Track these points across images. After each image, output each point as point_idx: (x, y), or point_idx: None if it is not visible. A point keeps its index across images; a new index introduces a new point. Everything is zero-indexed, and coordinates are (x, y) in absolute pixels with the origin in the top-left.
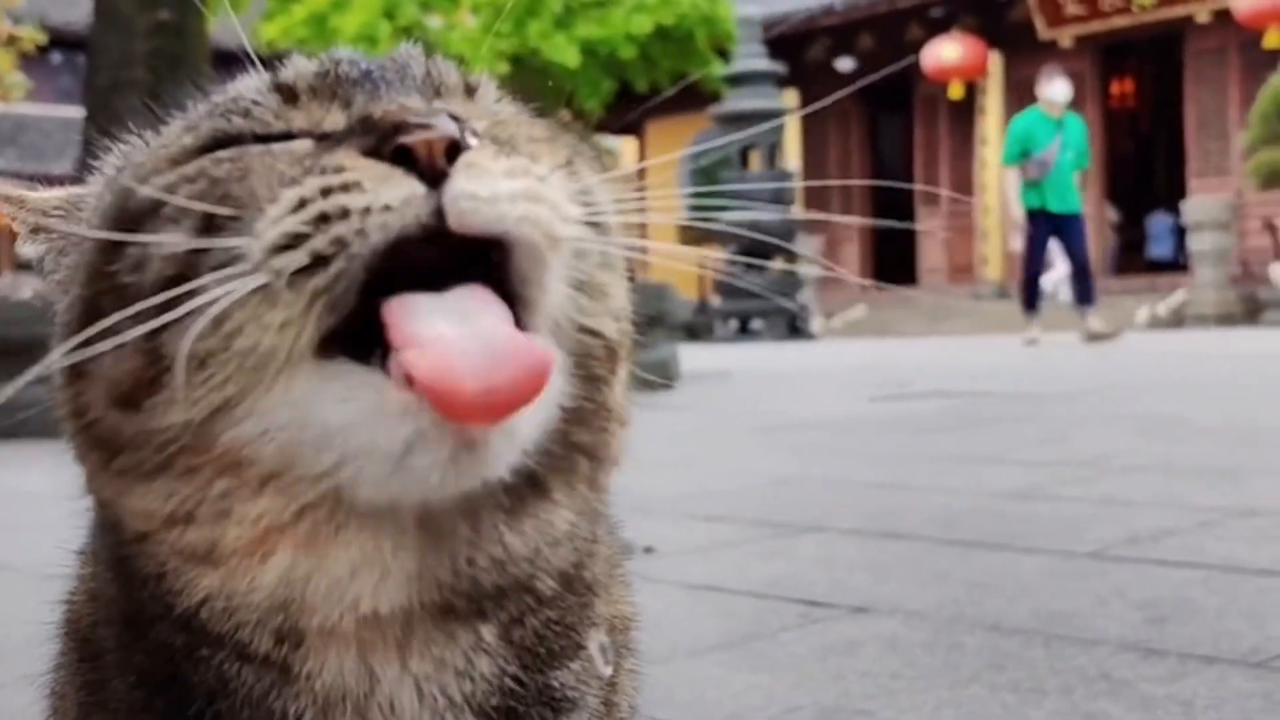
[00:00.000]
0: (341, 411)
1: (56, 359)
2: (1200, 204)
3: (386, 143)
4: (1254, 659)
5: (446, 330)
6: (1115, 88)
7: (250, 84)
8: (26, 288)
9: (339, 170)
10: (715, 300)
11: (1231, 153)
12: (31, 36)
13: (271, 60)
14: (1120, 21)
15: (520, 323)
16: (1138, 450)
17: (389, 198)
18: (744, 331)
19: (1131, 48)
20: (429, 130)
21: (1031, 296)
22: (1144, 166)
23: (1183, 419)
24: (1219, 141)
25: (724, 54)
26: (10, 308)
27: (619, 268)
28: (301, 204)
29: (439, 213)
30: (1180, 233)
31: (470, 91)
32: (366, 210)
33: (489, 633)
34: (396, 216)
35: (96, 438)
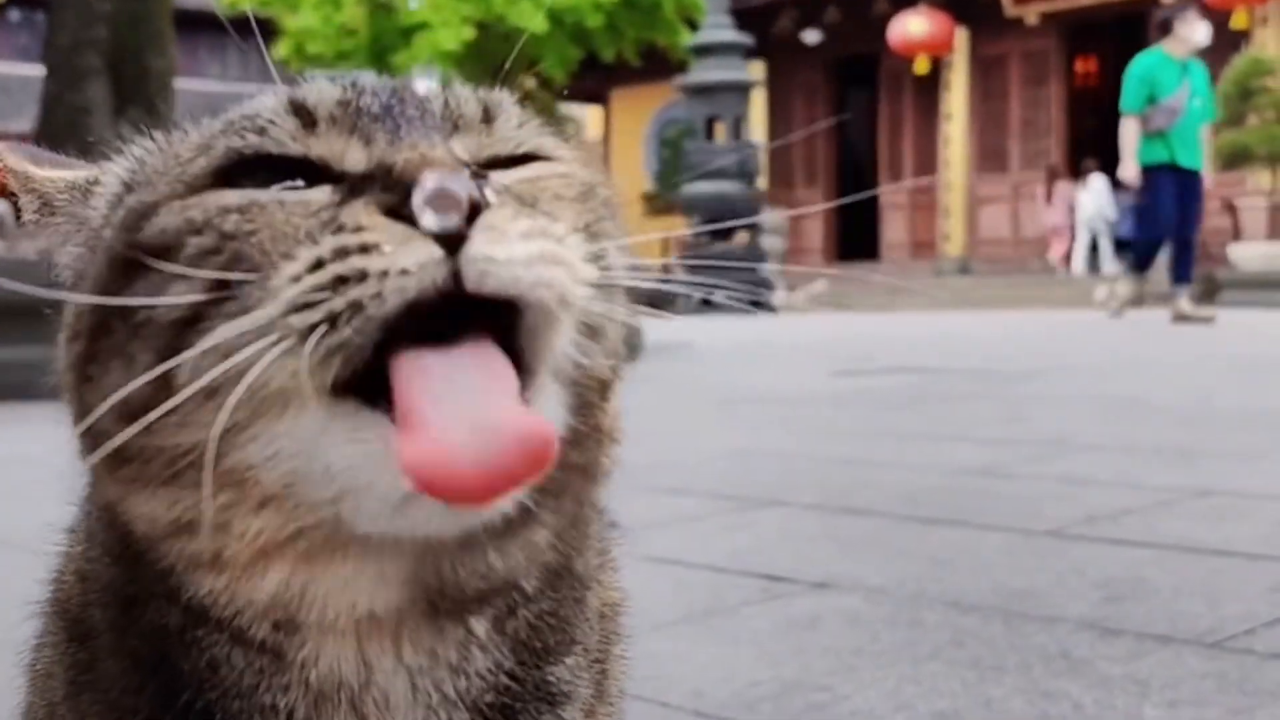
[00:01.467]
0: (346, 453)
1: (65, 360)
2: None
3: (406, 201)
4: (1209, 639)
5: (449, 412)
6: (1079, 66)
7: (268, 102)
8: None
9: (357, 230)
10: (677, 271)
11: None
12: None
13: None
14: (1085, 0)
15: (523, 369)
16: (1097, 429)
17: (407, 262)
18: (706, 304)
19: (1096, 26)
20: (447, 191)
21: (1145, 259)
22: (1107, 146)
23: (1141, 399)
24: None
25: (691, 24)
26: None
27: (619, 316)
28: (318, 264)
29: (456, 274)
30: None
31: (489, 120)
32: (384, 274)
33: (480, 627)
34: (414, 281)
35: (102, 445)
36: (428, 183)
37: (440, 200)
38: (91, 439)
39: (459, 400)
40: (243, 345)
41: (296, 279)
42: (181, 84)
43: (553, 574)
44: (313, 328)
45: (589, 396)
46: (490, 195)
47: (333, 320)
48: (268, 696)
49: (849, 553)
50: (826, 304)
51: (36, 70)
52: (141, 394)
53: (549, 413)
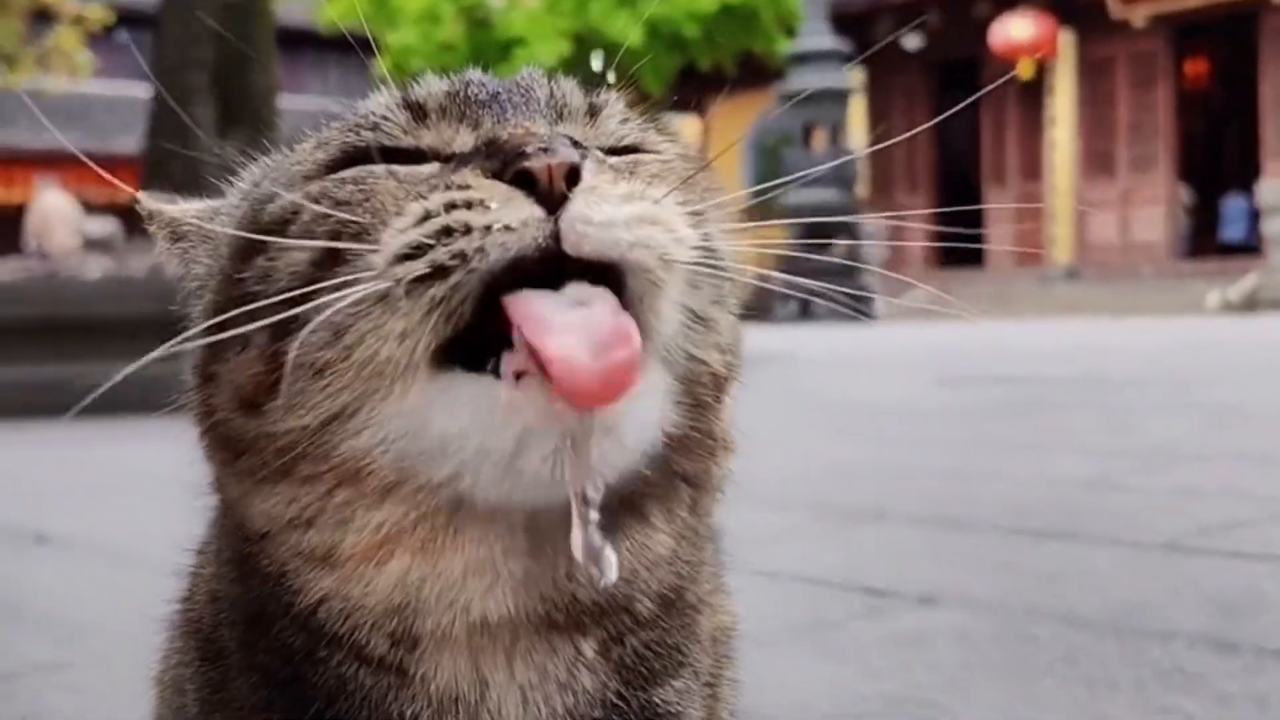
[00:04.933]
0: (455, 419)
1: (191, 360)
2: (1275, 186)
3: (510, 166)
4: None
5: (566, 315)
6: (1189, 68)
7: (381, 100)
8: (95, 267)
9: (464, 187)
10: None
11: None
12: (98, 16)
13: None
14: (1194, 0)
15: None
16: (1205, 438)
17: (510, 218)
18: (805, 313)
19: (1205, 27)
20: (550, 155)
21: None
22: (1217, 148)
23: (1253, 407)
24: None
25: (789, 31)
26: (79, 286)
27: (728, 301)
28: (426, 216)
29: (556, 236)
30: (1254, 215)
31: (594, 113)
32: (488, 228)
33: (588, 648)
34: (516, 237)
35: (222, 438)
36: (531, 145)
37: (542, 156)
38: (213, 436)
39: (573, 308)
40: (350, 296)
41: (403, 231)
42: (285, 101)
43: (667, 601)
44: (418, 280)
45: (702, 395)
46: (590, 164)
47: (437, 272)
48: (394, 709)
49: (954, 567)
50: (929, 312)
51: (143, 90)
52: (256, 379)
53: (657, 403)
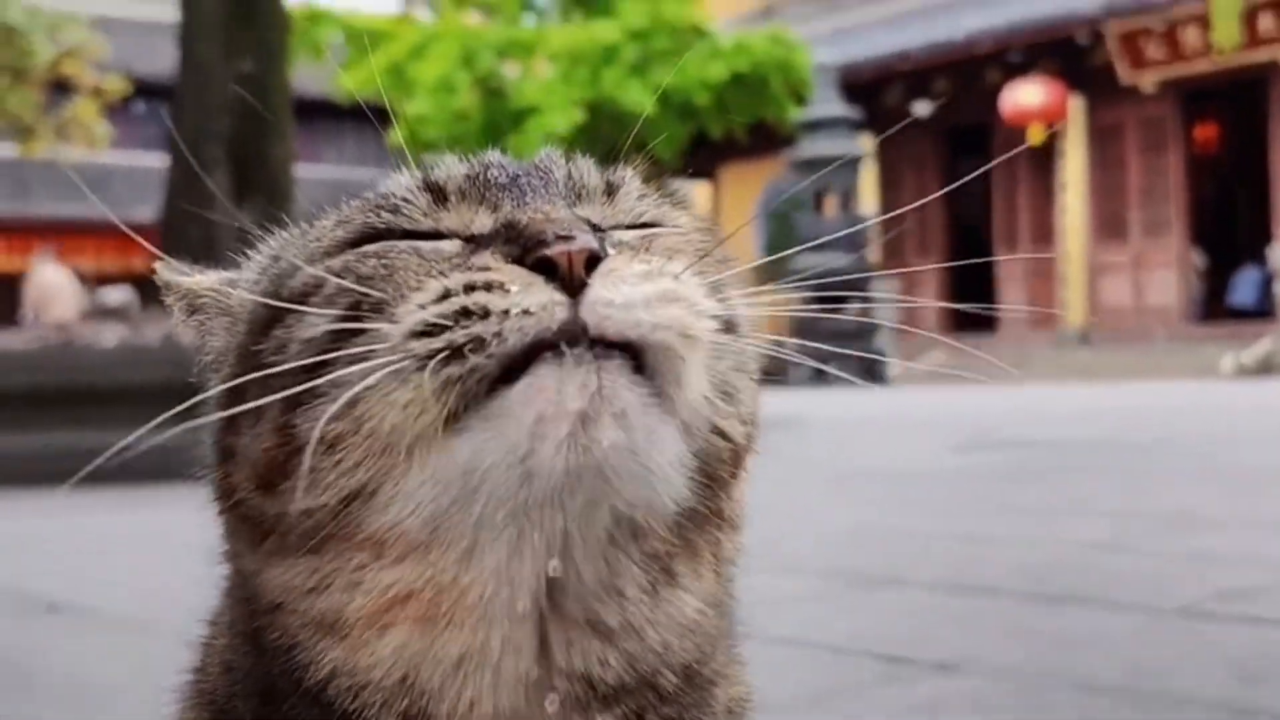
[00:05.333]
0: (472, 445)
1: (210, 436)
2: None
3: (530, 253)
4: None
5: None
6: (1199, 133)
7: (402, 182)
8: (110, 335)
9: (484, 269)
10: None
11: None
12: (117, 87)
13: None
14: (1203, 66)
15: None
16: (1222, 502)
17: (529, 302)
18: (819, 376)
19: (1215, 92)
20: (570, 242)
21: None
22: (1228, 212)
23: (1270, 471)
24: None
25: (800, 99)
26: (94, 355)
27: (750, 370)
28: (446, 295)
29: (577, 320)
30: (1267, 281)
31: (611, 192)
32: (506, 313)
33: None
34: (534, 321)
35: (243, 517)
36: (550, 231)
37: (561, 242)
38: (232, 514)
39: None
40: (364, 374)
41: (423, 306)
42: (301, 170)
43: (690, 674)
44: (433, 355)
45: (718, 470)
46: (609, 247)
47: (453, 352)
48: None
49: (971, 633)
50: (943, 376)
51: (160, 160)
52: (270, 456)
53: (674, 445)
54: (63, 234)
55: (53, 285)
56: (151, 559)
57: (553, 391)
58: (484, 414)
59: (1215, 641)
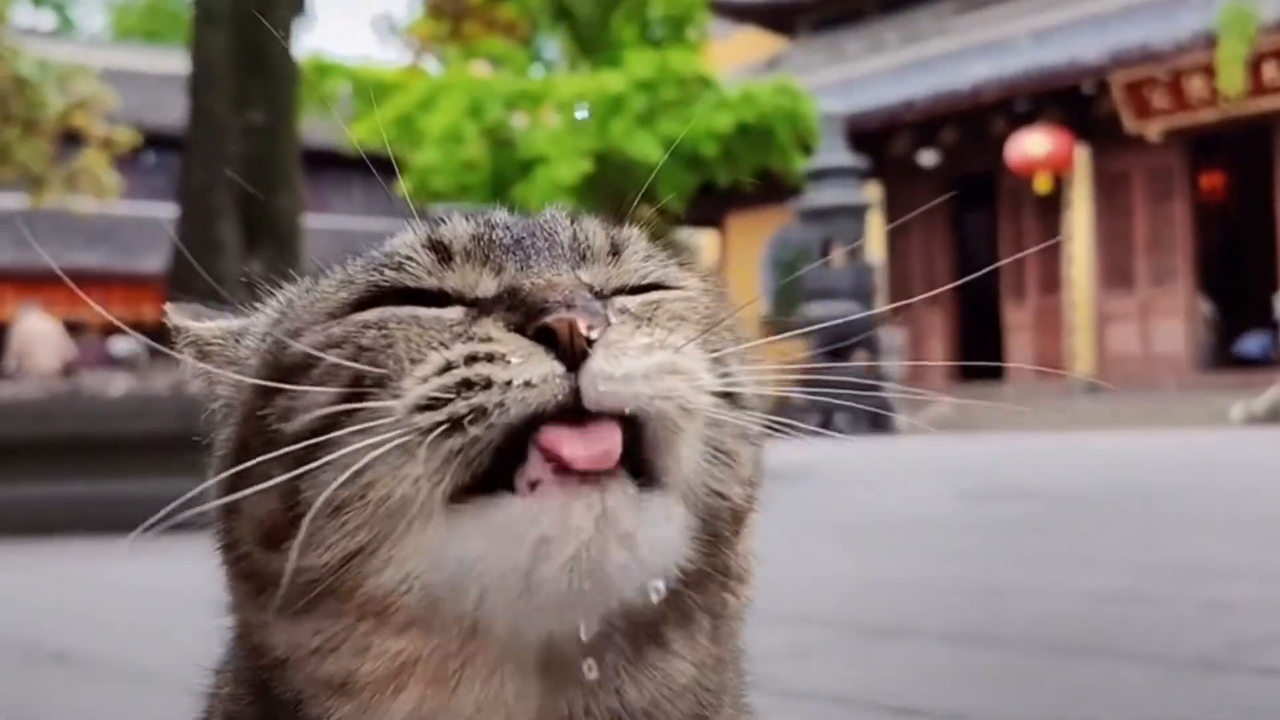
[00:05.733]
0: (473, 544)
1: (212, 494)
2: None
3: (532, 321)
4: None
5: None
6: (1205, 181)
7: (407, 239)
8: (118, 385)
9: (485, 339)
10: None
11: None
12: (126, 138)
13: (430, 217)
14: (1208, 114)
15: (653, 482)
16: (1236, 552)
17: (530, 374)
18: (827, 426)
19: (1221, 140)
20: (571, 311)
21: None
22: (1235, 260)
23: None
24: None
25: (806, 148)
26: (103, 405)
27: (750, 435)
28: (447, 367)
29: (577, 391)
30: (1274, 328)
31: (616, 252)
32: (508, 384)
33: None
34: (535, 394)
35: (245, 571)
36: (552, 299)
37: (563, 312)
38: (235, 567)
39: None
40: (367, 448)
41: (424, 380)
42: (309, 220)
43: None
44: (435, 427)
45: (721, 530)
46: (612, 316)
47: (455, 423)
48: None
49: (982, 685)
50: (950, 426)
51: (169, 210)
52: (274, 516)
53: (675, 532)
54: (84, 283)
55: (37, 335)
56: (158, 609)
57: (558, 513)
58: (484, 512)
59: (1231, 693)
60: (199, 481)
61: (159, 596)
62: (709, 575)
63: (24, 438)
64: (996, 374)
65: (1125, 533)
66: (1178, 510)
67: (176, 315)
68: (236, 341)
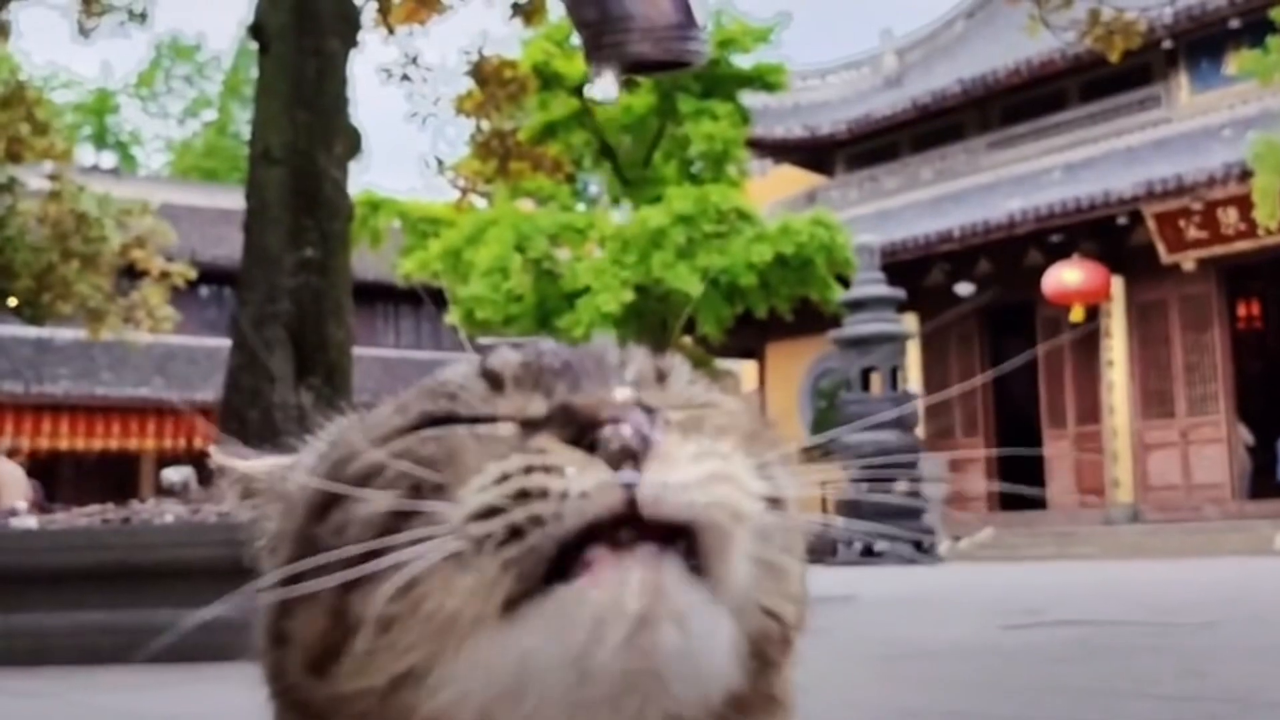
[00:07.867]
0: (525, 643)
1: (261, 621)
2: None
3: (586, 434)
4: None
5: None
6: (1242, 309)
7: (459, 370)
8: (169, 513)
9: (541, 451)
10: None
11: None
12: (182, 272)
13: (481, 348)
14: (1243, 245)
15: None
16: None
17: (586, 485)
18: (868, 553)
19: (1256, 269)
20: (624, 423)
21: None
22: (1273, 387)
23: None
24: None
25: (843, 279)
26: (153, 532)
27: (798, 549)
28: (504, 477)
29: (632, 500)
30: None
31: (662, 378)
32: (564, 494)
33: None
34: (592, 504)
35: (294, 702)
36: (605, 414)
37: (617, 430)
38: (283, 699)
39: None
40: (424, 555)
41: (483, 489)
42: (359, 351)
43: None
44: (491, 536)
45: (769, 652)
46: (661, 429)
47: (511, 533)
48: None
49: None
50: (992, 553)
51: (222, 342)
52: (321, 636)
53: (725, 650)
54: (127, 413)
55: (6, 476)
56: None
57: (612, 591)
58: (540, 607)
59: None
60: (245, 611)
61: None
62: (755, 704)
63: (78, 565)
64: (1038, 503)
65: (1171, 663)
66: (1226, 640)
67: (221, 456)
68: (283, 479)
